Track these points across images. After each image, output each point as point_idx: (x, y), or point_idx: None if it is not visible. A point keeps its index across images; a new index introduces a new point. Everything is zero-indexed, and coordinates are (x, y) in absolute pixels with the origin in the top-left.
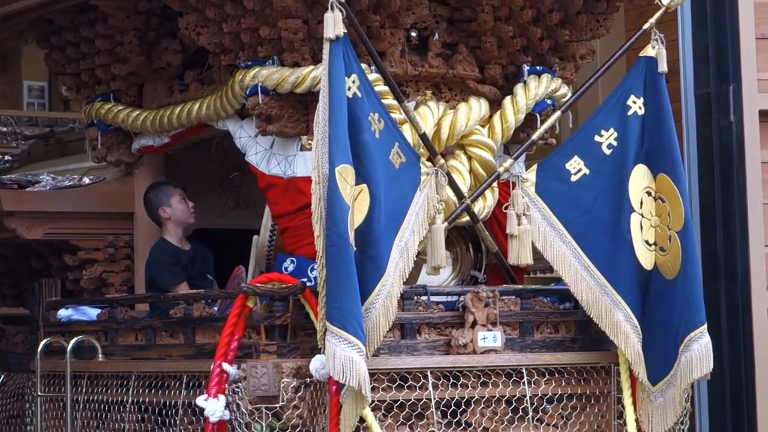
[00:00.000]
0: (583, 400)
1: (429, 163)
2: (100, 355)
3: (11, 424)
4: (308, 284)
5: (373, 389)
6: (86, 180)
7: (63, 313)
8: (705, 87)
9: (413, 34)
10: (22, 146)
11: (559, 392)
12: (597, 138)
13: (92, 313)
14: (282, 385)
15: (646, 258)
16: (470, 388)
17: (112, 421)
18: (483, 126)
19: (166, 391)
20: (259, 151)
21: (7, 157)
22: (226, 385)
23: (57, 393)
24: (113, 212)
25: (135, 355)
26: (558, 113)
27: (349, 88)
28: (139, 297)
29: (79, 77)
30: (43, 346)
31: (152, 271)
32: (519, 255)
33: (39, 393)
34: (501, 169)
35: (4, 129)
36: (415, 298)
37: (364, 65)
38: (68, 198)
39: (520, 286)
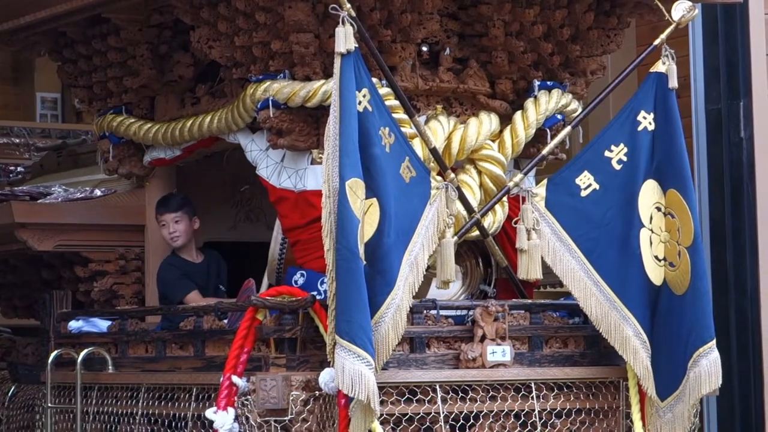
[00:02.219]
0: (592, 414)
1: (439, 178)
2: (110, 367)
3: None
4: (318, 297)
5: (382, 403)
6: (98, 192)
7: (73, 324)
8: (716, 103)
9: (424, 48)
10: (34, 158)
11: (568, 407)
12: (607, 153)
13: (103, 324)
14: (291, 398)
15: (655, 273)
16: (479, 402)
17: None
18: (493, 141)
19: (176, 404)
20: (270, 165)
21: (19, 168)
22: (236, 398)
23: (67, 405)
24: (124, 224)
25: (145, 367)
26: (568, 128)
27: (360, 103)
28: (150, 309)
29: (91, 90)
30: (54, 358)
31: (162, 286)
32: (528, 270)
33: (49, 404)
34: (511, 184)
35: (17, 140)
36: (425, 312)
37: (375, 79)
38: (80, 210)
39: (530, 301)
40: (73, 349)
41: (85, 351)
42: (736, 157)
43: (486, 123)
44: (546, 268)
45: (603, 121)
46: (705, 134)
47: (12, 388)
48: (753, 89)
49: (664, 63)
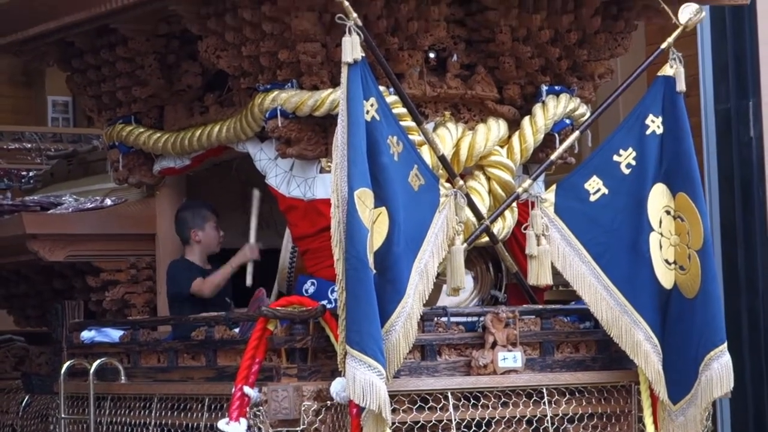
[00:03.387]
0: (604, 419)
1: (448, 185)
2: (122, 377)
3: None
4: (329, 306)
5: (394, 411)
6: (108, 201)
7: (86, 334)
8: (725, 102)
9: (431, 55)
10: (45, 165)
11: (580, 412)
12: (616, 157)
13: (115, 334)
14: (303, 408)
15: (665, 277)
16: (491, 408)
17: None
18: (502, 146)
19: (189, 414)
20: (279, 174)
21: (31, 173)
22: (248, 409)
23: (80, 415)
24: (135, 234)
25: (157, 377)
26: (576, 133)
27: (368, 112)
28: (162, 319)
29: (101, 99)
30: (67, 368)
31: (171, 283)
32: (538, 275)
33: (63, 415)
34: (520, 190)
35: (29, 145)
36: (435, 319)
37: (382, 87)
38: (90, 220)
39: (540, 306)
40: (86, 360)
41: (98, 361)
42: (745, 156)
43: (494, 129)
44: (556, 269)
45: (613, 124)
46: (714, 134)
47: (25, 399)
48: (762, 88)
49: (671, 66)
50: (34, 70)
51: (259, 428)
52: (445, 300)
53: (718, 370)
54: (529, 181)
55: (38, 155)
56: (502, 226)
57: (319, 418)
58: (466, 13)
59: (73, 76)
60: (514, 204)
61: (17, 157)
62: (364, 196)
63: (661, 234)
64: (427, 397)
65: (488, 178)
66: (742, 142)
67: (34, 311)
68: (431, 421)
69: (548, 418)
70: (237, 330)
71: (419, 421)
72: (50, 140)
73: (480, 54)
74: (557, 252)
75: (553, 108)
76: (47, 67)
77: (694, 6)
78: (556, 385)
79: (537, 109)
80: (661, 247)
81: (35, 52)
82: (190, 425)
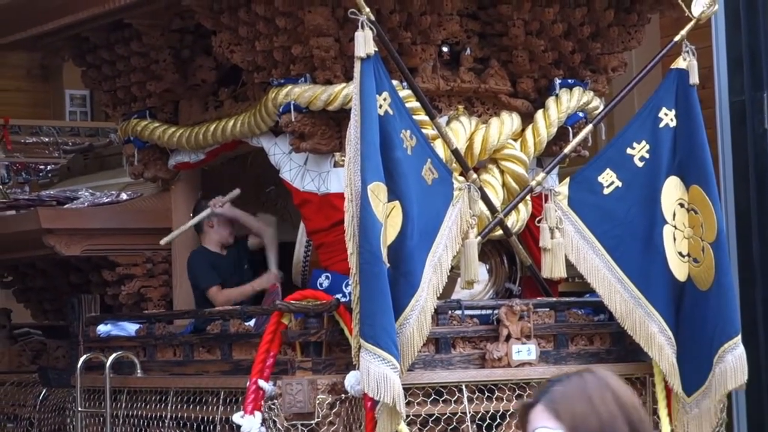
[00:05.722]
0: None
1: (461, 178)
2: (138, 371)
3: None
4: (343, 300)
5: (408, 404)
6: (124, 196)
7: (102, 328)
8: (739, 94)
9: (445, 49)
10: (62, 159)
11: None
12: (629, 150)
13: (131, 328)
14: (317, 401)
15: (679, 269)
16: (505, 401)
17: None
18: (515, 140)
19: (204, 407)
20: (293, 168)
21: (49, 167)
22: (262, 402)
23: (97, 408)
24: (151, 228)
25: (173, 370)
26: (590, 126)
27: (381, 106)
28: (177, 313)
29: (115, 94)
30: (83, 362)
31: (191, 274)
32: (552, 268)
33: (79, 408)
34: (533, 183)
35: (47, 139)
36: (450, 312)
37: (395, 81)
38: (106, 214)
39: (554, 299)
40: (102, 353)
41: (114, 355)
42: (760, 148)
43: (507, 122)
44: (570, 262)
45: (628, 116)
46: (729, 126)
47: (43, 392)
48: None
49: (684, 59)
50: (51, 64)
51: (274, 421)
52: (459, 293)
53: (733, 362)
54: (542, 174)
55: (56, 149)
56: (516, 219)
57: (334, 411)
58: (479, 7)
59: (88, 71)
60: (528, 197)
61: (35, 151)
62: (378, 190)
63: (675, 227)
64: (442, 389)
65: (502, 172)
66: (757, 133)
67: (51, 305)
68: (446, 414)
69: None
70: (252, 323)
71: (434, 414)
72: (68, 134)
73: (493, 48)
74: (571, 245)
75: (567, 101)
76: (63, 62)
77: None
78: None
79: (550, 102)
80: (674, 239)
81: (50, 48)
82: (205, 418)
